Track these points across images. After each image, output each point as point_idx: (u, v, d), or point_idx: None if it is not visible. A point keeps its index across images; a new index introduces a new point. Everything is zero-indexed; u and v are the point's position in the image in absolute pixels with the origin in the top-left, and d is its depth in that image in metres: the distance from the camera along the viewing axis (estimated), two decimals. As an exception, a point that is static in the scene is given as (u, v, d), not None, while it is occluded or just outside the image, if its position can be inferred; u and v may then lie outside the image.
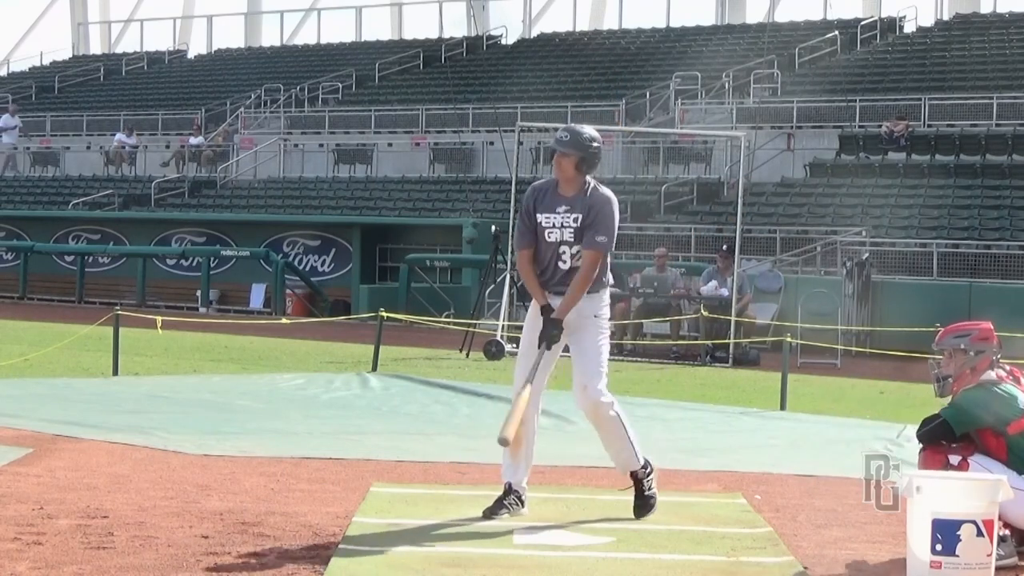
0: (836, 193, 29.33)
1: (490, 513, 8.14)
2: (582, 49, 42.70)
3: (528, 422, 8.23)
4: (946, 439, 7.38)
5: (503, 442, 7.94)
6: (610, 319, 8.42)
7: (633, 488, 8.31)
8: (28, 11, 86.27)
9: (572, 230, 8.16)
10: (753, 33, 40.90)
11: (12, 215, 38.86)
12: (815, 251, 26.30)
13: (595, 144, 8.21)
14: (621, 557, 7.24)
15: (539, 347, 8.10)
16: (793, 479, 10.02)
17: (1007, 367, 7.57)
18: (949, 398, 7.57)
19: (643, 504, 8.25)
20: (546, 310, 8.13)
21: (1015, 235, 25.89)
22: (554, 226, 8.19)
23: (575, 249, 8.17)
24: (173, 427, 11.79)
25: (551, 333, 8.08)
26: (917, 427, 7.48)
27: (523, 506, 8.24)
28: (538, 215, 8.22)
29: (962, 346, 7.50)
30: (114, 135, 41.95)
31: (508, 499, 8.20)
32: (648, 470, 8.32)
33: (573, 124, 8.34)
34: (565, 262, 8.20)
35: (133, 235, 35.96)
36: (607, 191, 8.25)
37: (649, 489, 8.30)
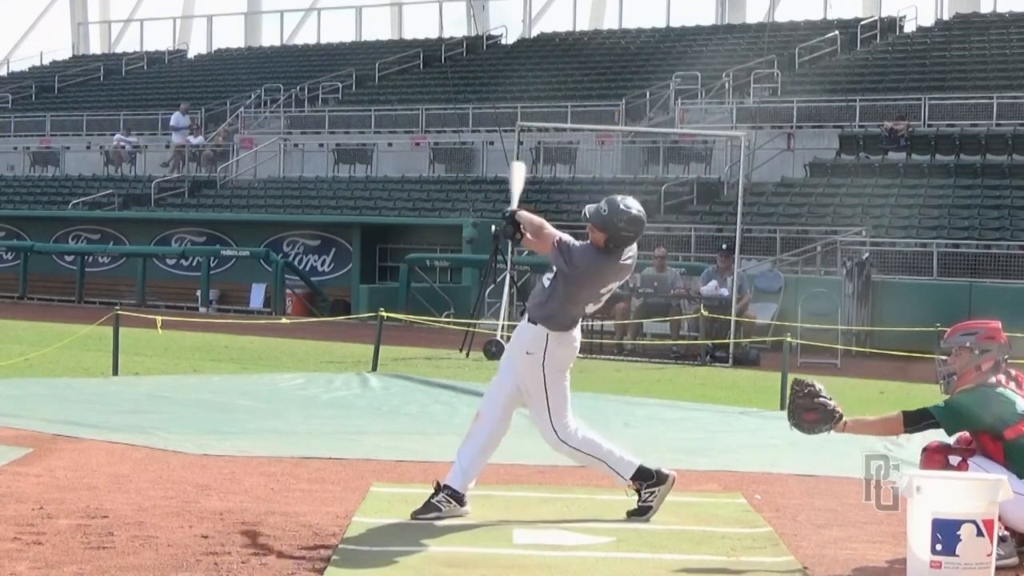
0: (836, 193, 29.33)
1: (418, 514, 8.05)
2: (582, 49, 42.71)
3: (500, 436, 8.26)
4: (936, 429, 7.38)
5: None
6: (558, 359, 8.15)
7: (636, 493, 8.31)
8: (28, 11, 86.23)
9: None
10: (753, 33, 40.91)
11: (12, 215, 38.86)
12: (815, 251, 26.30)
13: (622, 224, 7.96)
14: (621, 557, 7.24)
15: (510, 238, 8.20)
16: (793, 479, 10.03)
17: (1012, 371, 7.55)
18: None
19: (635, 511, 8.22)
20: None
21: (1015, 235, 25.89)
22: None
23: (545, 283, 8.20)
24: (173, 427, 11.79)
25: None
26: (905, 421, 7.46)
27: (463, 505, 8.15)
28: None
29: (968, 344, 7.49)
30: (114, 135, 41.97)
31: (437, 497, 8.10)
32: (651, 481, 8.21)
33: (617, 197, 8.09)
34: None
35: (133, 235, 35.96)
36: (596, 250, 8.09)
37: (645, 500, 8.21)
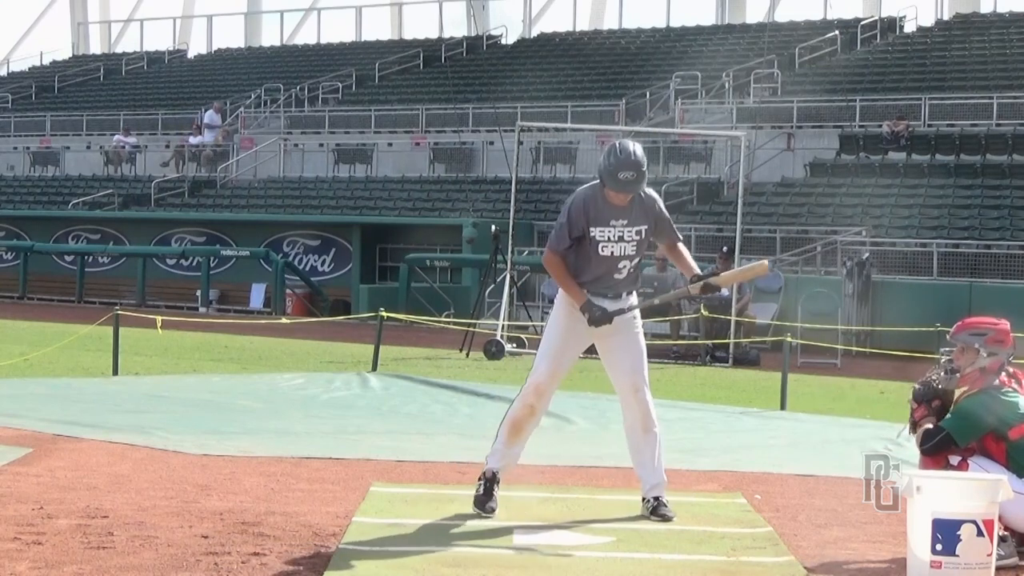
0: (836, 193, 29.34)
1: (483, 504, 8.08)
2: (582, 49, 42.71)
3: (538, 416, 8.25)
4: (952, 448, 7.35)
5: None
6: None
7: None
8: (28, 11, 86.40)
9: (635, 243, 8.09)
10: (753, 33, 40.91)
11: (12, 215, 38.89)
12: (815, 251, 26.31)
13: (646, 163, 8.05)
14: (621, 557, 7.23)
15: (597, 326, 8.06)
16: (793, 479, 10.02)
17: (1010, 370, 7.53)
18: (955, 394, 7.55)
19: (664, 516, 8.14)
20: (587, 306, 8.03)
21: (1015, 235, 25.90)
22: (610, 240, 8.03)
23: (635, 261, 8.18)
24: (173, 427, 11.78)
25: (605, 313, 8.06)
26: (919, 440, 7.43)
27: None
28: (591, 229, 7.99)
29: (976, 345, 7.45)
30: (113, 135, 41.97)
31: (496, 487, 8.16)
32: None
33: (629, 152, 7.84)
34: (621, 273, 8.19)
35: (133, 235, 35.98)
36: (651, 190, 8.16)
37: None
